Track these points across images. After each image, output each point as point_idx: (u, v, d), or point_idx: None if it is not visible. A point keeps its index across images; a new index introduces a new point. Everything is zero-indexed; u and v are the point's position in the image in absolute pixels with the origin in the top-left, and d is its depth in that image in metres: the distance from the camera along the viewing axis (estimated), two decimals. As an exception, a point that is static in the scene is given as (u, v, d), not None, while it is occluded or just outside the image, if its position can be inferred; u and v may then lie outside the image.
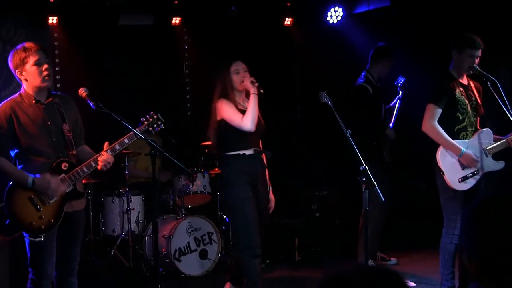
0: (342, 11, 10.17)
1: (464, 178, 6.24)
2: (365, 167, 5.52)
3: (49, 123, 5.27)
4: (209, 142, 7.81)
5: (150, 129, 5.51)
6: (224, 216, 8.68)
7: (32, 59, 5.18)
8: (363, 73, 7.86)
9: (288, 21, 10.71)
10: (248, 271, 6.23)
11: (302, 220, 9.10)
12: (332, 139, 7.47)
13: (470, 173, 6.26)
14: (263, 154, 6.42)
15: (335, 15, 10.21)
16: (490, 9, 8.66)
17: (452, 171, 6.26)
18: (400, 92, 7.91)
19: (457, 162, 6.26)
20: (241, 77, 6.22)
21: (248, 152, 6.22)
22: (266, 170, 6.49)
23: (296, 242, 8.63)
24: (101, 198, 8.50)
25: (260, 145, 6.42)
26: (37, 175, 5.07)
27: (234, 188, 6.19)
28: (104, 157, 5.25)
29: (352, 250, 8.69)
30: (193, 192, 8.32)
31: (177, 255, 7.93)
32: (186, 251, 7.99)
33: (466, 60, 6.32)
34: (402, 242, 8.16)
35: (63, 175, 5.18)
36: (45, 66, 5.23)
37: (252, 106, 6.09)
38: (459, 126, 6.34)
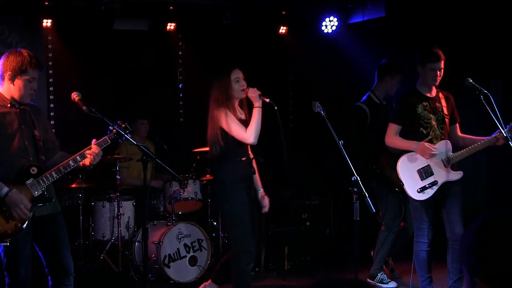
0: (337, 21, 10.16)
1: (423, 189, 6.42)
2: (356, 177, 5.51)
3: (22, 126, 5.23)
4: (202, 149, 7.95)
5: (118, 137, 5.44)
6: (215, 223, 8.68)
7: (30, 75, 5.16)
8: (366, 94, 7.81)
9: (283, 30, 10.69)
10: (243, 276, 6.30)
11: (292, 229, 9.03)
12: (324, 149, 7.47)
13: (429, 184, 6.42)
14: (254, 160, 6.51)
15: (330, 24, 10.20)
16: (483, 21, 8.69)
17: (411, 182, 6.47)
18: None
19: (416, 173, 6.46)
20: (241, 85, 6.27)
21: (244, 158, 6.33)
22: (257, 174, 6.56)
23: (286, 251, 8.59)
24: (91, 202, 8.45)
25: (250, 152, 6.50)
26: (14, 190, 4.97)
27: (233, 193, 6.25)
28: (93, 149, 5.25)
29: (342, 260, 8.71)
30: (184, 199, 8.29)
31: (166, 261, 7.89)
32: (176, 258, 7.95)
33: (428, 74, 6.53)
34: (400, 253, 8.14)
35: (31, 179, 5.12)
36: (35, 85, 5.24)
37: (256, 121, 6.15)
38: (425, 140, 6.50)
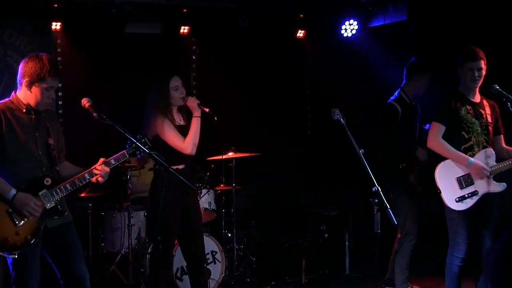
0: (357, 25, 10.04)
1: (462, 198, 6.17)
2: (377, 188, 5.27)
3: (37, 134, 5.14)
4: (216, 157, 8.24)
5: (137, 152, 5.37)
6: (229, 235, 8.52)
7: (48, 83, 5.08)
8: (397, 91, 7.54)
9: (301, 33, 10.66)
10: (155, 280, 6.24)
11: (310, 241, 9.01)
12: (344, 158, 7.25)
13: (469, 193, 6.17)
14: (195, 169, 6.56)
15: (349, 28, 10.08)
16: (508, 25, 8.44)
17: (450, 190, 6.20)
18: None
19: (455, 181, 6.20)
20: (180, 93, 6.25)
21: (180, 167, 6.18)
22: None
23: (303, 264, 8.48)
24: (101, 212, 8.37)
25: (192, 160, 6.43)
26: (19, 192, 4.90)
27: (162, 200, 5.77)
28: (101, 168, 5.17)
29: (361, 273, 8.53)
30: (197, 209, 8.10)
31: (179, 274, 7.70)
32: (189, 270, 7.76)
33: (467, 74, 6.32)
34: (418, 266, 7.91)
35: (44, 190, 5.03)
36: (52, 94, 5.16)
37: (195, 131, 6.20)
38: (465, 146, 6.27)
